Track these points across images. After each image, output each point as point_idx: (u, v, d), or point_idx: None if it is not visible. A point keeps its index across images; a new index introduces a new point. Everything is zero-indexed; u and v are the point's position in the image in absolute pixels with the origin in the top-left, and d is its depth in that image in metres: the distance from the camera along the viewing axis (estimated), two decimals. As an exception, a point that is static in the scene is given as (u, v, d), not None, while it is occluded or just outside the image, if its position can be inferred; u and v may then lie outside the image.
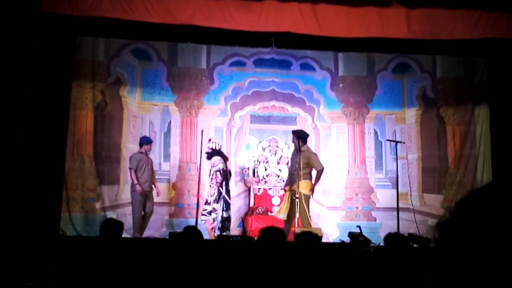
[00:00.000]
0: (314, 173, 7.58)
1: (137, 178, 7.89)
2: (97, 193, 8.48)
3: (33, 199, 7.08)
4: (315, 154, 7.58)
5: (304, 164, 7.42)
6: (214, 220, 7.91)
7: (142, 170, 7.95)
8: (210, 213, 7.94)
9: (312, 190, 7.45)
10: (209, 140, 8.27)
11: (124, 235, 6.30)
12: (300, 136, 7.63)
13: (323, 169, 7.56)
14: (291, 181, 7.57)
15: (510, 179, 0.82)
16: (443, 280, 0.79)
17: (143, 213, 7.94)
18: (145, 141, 8.13)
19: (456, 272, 0.77)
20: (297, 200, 7.23)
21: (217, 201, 7.95)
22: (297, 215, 7.53)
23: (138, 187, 7.87)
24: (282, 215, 7.45)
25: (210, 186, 8.04)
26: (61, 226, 7.73)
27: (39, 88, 7.30)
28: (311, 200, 7.64)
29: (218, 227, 7.89)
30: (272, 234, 3.49)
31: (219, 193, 7.95)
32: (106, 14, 6.92)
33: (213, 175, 8.00)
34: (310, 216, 7.44)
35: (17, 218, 6.33)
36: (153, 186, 8.11)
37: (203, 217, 7.97)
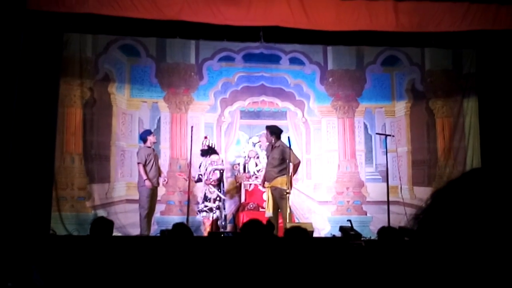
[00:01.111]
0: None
1: (146, 173, 7.79)
2: (87, 192, 8.42)
3: (23, 198, 7.03)
4: (290, 149, 7.52)
5: (279, 160, 7.41)
6: (218, 217, 7.94)
7: (150, 165, 7.87)
8: (211, 209, 7.96)
9: (290, 184, 7.41)
10: (205, 137, 8.25)
11: (115, 233, 6.29)
12: (274, 132, 7.62)
13: (299, 162, 7.62)
14: (269, 177, 7.54)
15: (486, 169, 0.82)
16: (422, 272, 0.78)
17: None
18: (148, 134, 8.04)
19: (435, 264, 0.76)
20: (288, 195, 7.23)
21: (220, 199, 7.99)
22: (288, 210, 7.55)
23: (147, 183, 7.76)
24: (269, 213, 7.44)
25: (209, 184, 8.02)
26: (51, 225, 7.68)
27: (26, 86, 7.24)
28: (301, 195, 7.65)
29: (223, 224, 8.06)
30: (253, 227, 3.49)
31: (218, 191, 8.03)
32: (93, 10, 6.88)
33: (211, 172, 8.00)
34: (291, 211, 7.45)
35: (5, 218, 6.29)
36: (159, 178, 8.03)
37: (203, 214, 7.98)
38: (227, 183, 8.63)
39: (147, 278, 3.47)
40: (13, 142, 6.97)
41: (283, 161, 7.39)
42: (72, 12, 6.95)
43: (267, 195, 7.65)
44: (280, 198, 7.33)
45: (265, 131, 7.83)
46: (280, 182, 7.38)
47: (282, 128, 8.43)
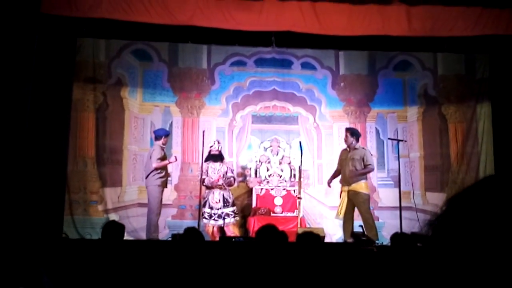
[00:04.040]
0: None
1: (163, 162, 7.81)
2: (100, 196, 8.46)
3: (36, 202, 7.07)
4: (370, 152, 7.70)
5: (361, 163, 7.48)
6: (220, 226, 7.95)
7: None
8: (235, 213, 8.03)
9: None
10: (218, 142, 8.24)
11: (126, 237, 6.31)
12: (354, 133, 7.72)
13: (373, 169, 7.70)
14: (348, 180, 7.54)
15: (501, 176, 0.81)
16: (435, 279, 0.78)
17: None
18: (164, 133, 8.05)
19: (449, 271, 0.76)
20: (299, 201, 7.23)
21: (227, 204, 7.99)
22: (301, 214, 7.60)
23: (173, 158, 7.92)
24: (339, 217, 7.56)
25: (225, 188, 8.02)
26: (64, 229, 7.73)
27: (40, 91, 7.30)
28: (313, 200, 7.64)
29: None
30: (267, 232, 3.48)
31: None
32: (106, 15, 6.93)
33: (230, 178, 8.00)
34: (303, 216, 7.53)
35: (19, 221, 6.33)
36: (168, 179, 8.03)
37: (232, 219, 7.97)
38: (238, 188, 8.63)
39: (158, 282, 3.47)
40: (26, 146, 7.03)
41: (365, 165, 7.45)
42: (85, 17, 7.01)
43: (342, 198, 7.64)
44: (361, 203, 7.41)
45: (277, 136, 7.85)
46: (363, 187, 7.48)
47: (294, 133, 8.45)
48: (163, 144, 7.97)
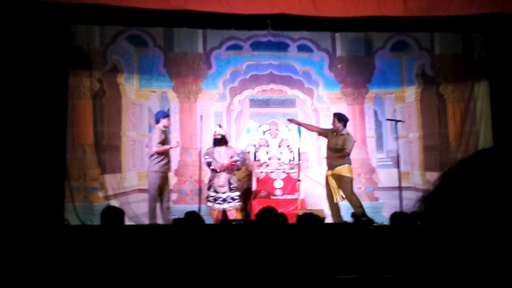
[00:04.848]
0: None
1: (165, 146, 7.74)
2: (100, 182, 8.47)
3: (36, 190, 7.09)
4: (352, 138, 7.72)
5: (341, 149, 7.52)
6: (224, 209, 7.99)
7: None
8: (239, 197, 8.08)
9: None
10: (220, 126, 8.24)
11: (127, 222, 6.34)
12: (342, 119, 7.74)
13: (348, 154, 7.66)
14: (331, 165, 7.63)
15: (495, 150, 0.81)
16: (432, 257, 0.77)
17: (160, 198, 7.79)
18: (162, 115, 7.95)
19: (445, 249, 0.76)
20: (299, 183, 7.26)
21: (232, 189, 8.03)
22: (301, 196, 7.66)
23: (174, 143, 7.91)
24: (338, 199, 7.63)
25: (232, 173, 8.07)
26: (65, 215, 7.76)
27: (36, 79, 7.27)
28: (313, 182, 7.68)
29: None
30: (266, 215, 3.50)
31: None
32: (100, 1, 6.89)
33: (237, 162, 8.03)
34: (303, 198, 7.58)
35: (20, 210, 6.35)
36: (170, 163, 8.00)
37: (237, 203, 8.02)
38: (237, 172, 8.65)
39: (158, 267, 3.50)
40: (25, 135, 7.02)
41: (343, 150, 7.49)
42: (79, 3, 6.96)
43: (329, 183, 7.68)
44: (345, 186, 7.51)
45: (275, 120, 7.86)
46: (346, 170, 7.55)
47: (292, 116, 8.44)
48: (164, 126, 7.89)
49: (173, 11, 7.21)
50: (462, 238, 0.73)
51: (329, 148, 7.74)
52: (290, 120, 8.24)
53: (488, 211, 0.72)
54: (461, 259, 0.73)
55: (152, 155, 7.76)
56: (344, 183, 7.56)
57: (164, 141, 7.84)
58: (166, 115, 8.11)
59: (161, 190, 7.79)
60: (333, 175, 7.61)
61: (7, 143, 6.89)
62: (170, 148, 7.91)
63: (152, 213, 7.74)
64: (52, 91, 7.68)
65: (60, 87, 7.91)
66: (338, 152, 7.54)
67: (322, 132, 8.11)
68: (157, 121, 7.91)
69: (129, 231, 5.87)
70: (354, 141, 7.75)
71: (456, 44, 9.18)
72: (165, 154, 7.85)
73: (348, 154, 7.64)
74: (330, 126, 7.90)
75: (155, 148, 7.68)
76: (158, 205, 7.78)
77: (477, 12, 7.26)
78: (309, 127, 8.43)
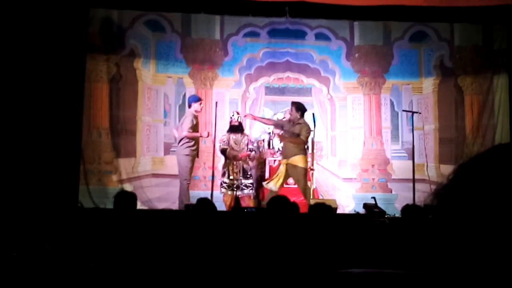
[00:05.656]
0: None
1: (195, 133, 7.75)
2: (114, 166, 8.53)
3: (51, 172, 7.17)
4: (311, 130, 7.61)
5: (297, 137, 7.46)
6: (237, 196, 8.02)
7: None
8: (253, 185, 8.12)
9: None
10: (237, 112, 8.26)
11: (140, 207, 6.38)
12: (300, 108, 7.67)
13: (306, 143, 7.60)
14: (287, 153, 7.59)
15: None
16: (443, 251, 0.76)
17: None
18: (193, 99, 7.93)
19: (457, 243, 0.74)
20: (312, 172, 7.24)
21: (248, 176, 8.08)
22: (314, 186, 7.62)
23: (205, 133, 7.83)
24: (274, 187, 7.52)
25: (252, 159, 8.14)
26: (79, 198, 7.84)
27: (53, 62, 7.32)
28: (326, 172, 7.65)
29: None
30: (278, 203, 3.50)
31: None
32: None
33: (253, 152, 8.07)
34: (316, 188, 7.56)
35: (34, 192, 6.43)
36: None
37: (250, 191, 8.07)
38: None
39: (169, 251, 3.52)
40: (41, 117, 7.09)
41: (298, 135, 7.43)
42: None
43: (280, 170, 7.66)
44: (298, 177, 7.44)
45: (289, 108, 7.82)
46: (301, 160, 7.46)
47: (307, 105, 8.40)
48: (195, 111, 7.89)
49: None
50: (473, 235, 0.72)
51: (285, 137, 7.70)
52: (246, 116, 8.26)
53: (503, 208, 0.71)
54: (470, 257, 0.72)
55: (181, 139, 7.78)
56: (298, 173, 7.50)
57: (196, 126, 7.85)
58: (198, 99, 8.09)
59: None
60: (287, 165, 7.54)
61: (24, 125, 6.97)
62: (201, 136, 7.90)
63: (184, 196, 7.77)
64: (70, 74, 7.73)
65: (77, 71, 7.97)
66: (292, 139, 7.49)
67: (278, 124, 8.09)
68: (189, 105, 7.93)
69: (142, 215, 5.91)
70: (311, 131, 7.63)
71: (476, 36, 9.03)
72: (195, 139, 7.87)
73: (304, 143, 7.55)
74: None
75: (186, 132, 7.70)
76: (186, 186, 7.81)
77: (499, 3, 7.15)
78: (264, 121, 8.41)
